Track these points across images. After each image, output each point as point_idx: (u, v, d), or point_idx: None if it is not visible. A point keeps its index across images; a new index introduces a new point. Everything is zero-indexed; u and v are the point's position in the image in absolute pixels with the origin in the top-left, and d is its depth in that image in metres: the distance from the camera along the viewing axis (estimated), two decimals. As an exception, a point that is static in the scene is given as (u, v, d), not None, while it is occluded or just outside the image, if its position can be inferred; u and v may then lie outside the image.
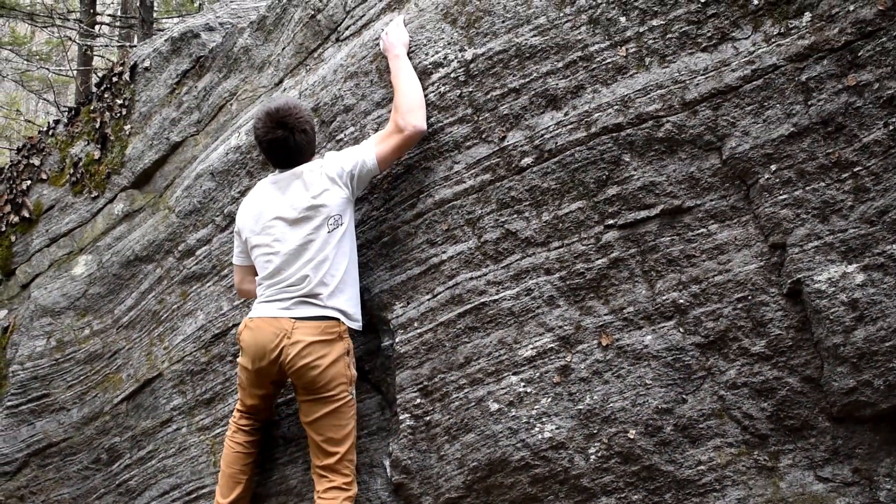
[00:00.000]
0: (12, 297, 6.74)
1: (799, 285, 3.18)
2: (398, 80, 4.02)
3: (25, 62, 16.91)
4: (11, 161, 7.20)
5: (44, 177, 6.76)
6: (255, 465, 4.53)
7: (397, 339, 4.10)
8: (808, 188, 3.17)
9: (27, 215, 6.75)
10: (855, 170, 3.09)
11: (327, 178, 3.99)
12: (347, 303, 4.04)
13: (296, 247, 4.01)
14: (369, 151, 3.97)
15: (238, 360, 4.25)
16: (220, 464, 4.50)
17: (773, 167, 3.23)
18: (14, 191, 6.93)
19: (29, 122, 19.63)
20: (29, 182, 6.83)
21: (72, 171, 6.50)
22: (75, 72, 14.73)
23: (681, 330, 3.44)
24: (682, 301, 3.44)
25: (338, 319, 3.99)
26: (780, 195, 3.22)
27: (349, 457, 4.06)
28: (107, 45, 15.97)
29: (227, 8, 5.97)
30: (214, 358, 5.03)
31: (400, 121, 3.91)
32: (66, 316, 6.13)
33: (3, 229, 6.92)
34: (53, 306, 6.19)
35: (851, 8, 3.07)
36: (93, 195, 6.28)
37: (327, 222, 3.98)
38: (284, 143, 4.08)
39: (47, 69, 16.61)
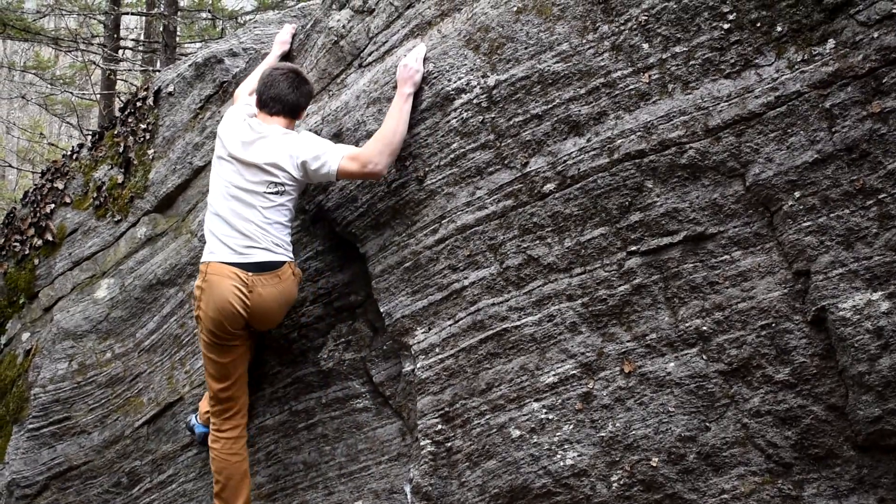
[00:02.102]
0: (35, 320, 6.77)
1: (823, 313, 3.16)
2: (392, 116, 4.14)
3: (49, 86, 17.04)
4: (35, 185, 7.26)
5: (67, 200, 6.80)
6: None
7: (419, 365, 4.09)
8: (832, 215, 3.15)
9: (51, 238, 6.79)
10: (880, 197, 3.06)
11: (288, 156, 4.26)
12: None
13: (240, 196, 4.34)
14: (335, 161, 4.17)
15: None
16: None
17: (797, 194, 3.21)
18: (38, 214, 6.98)
19: (52, 145, 19.78)
20: (53, 205, 6.88)
21: (95, 194, 6.54)
22: (98, 96, 14.83)
23: (704, 357, 3.42)
24: (705, 328, 3.42)
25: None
26: (804, 222, 3.20)
27: None
28: (130, 70, 16.09)
29: (250, 33, 6.01)
30: (235, 382, 5.03)
31: (373, 157, 4.09)
32: (88, 339, 6.15)
33: (27, 252, 6.96)
34: (76, 329, 6.22)
35: (875, 35, 3.06)
36: (116, 219, 6.31)
37: (269, 185, 4.29)
38: (284, 88, 4.44)
39: (71, 93, 16.74)
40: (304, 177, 4.30)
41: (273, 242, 4.31)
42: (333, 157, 4.18)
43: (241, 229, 4.29)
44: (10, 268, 7.10)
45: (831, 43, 3.15)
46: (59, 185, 6.92)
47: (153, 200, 6.05)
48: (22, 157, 22.53)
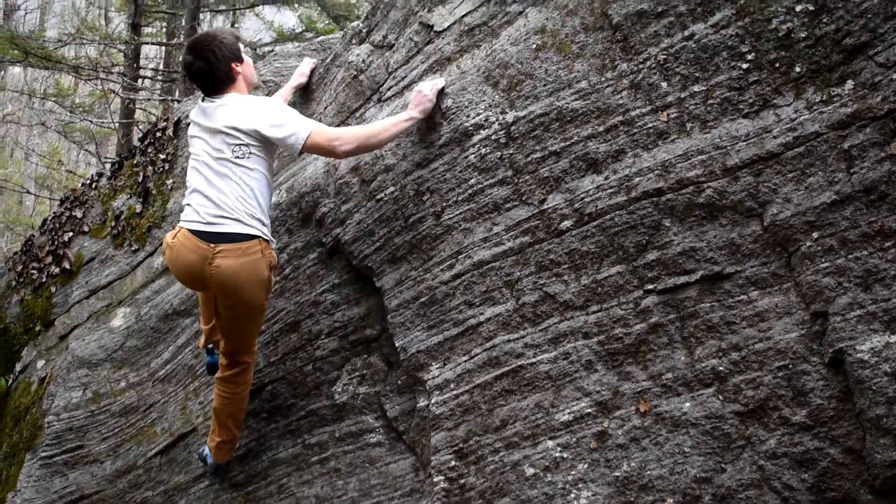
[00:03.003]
0: (50, 348, 6.80)
1: (841, 354, 3.13)
2: (384, 123, 4.17)
3: (69, 114, 17.18)
4: (54, 213, 7.31)
5: (85, 229, 6.84)
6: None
7: (433, 401, 4.08)
8: (850, 256, 3.14)
9: (68, 267, 6.83)
10: (898, 238, 3.06)
11: (246, 118, 4.28)
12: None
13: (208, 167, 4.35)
14: (299, 141, 4.17)
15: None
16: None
17: (815, 235, 3.20)
18: (56, 242, 7.02)
19: (70, 172, 19.88)
20: (71, 234, 6.93)
21: (113, 223, 6.58)
22: (117, 124, 14.93)
23: (720, 397, 3.40)
24: (721, 368, 3.40)
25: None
26: (822, 263, 3.19)
27: None
28: (149, 99, 16.20)
29: (270, 66, 6.05)
30: (249, 414, 5.04)
31: (342, 137, 4.13)
32: (103, 368, 6.17)
33: (44, 280, 7.00)
34: (91, 358, 6.24)
35: (894, 76, 3.06)
36: (133, 248, 6.35)
37: (235, 148, 4.29)
38: (188, 68, 4.44)
39: (90, 121, 16.85)
40: (256, 141, 4.30)
41: (247, 213, 4.27)
42: (302, 127, 4.18)
43: (215, 199, 4.29)
44: (27, 295, 7.14)
45: (850, 84, 3.15)
46: (78, 213, 6.97)
47: (171, 230, 6.07)
48: (40, 183, 22.69)
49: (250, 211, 4.28)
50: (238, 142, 4.28)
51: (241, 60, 4.51)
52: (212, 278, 4.28)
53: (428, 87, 4.17)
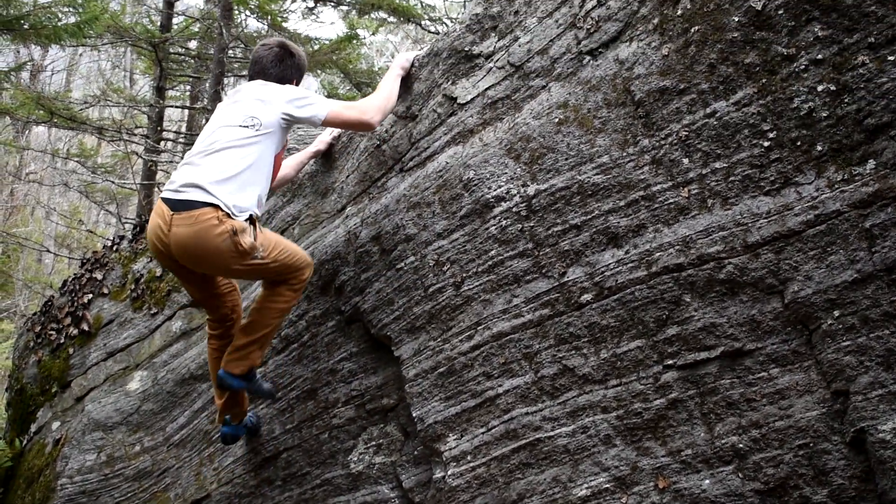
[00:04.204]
0: (66, 410, 6.79)
1: (862, 434, 3.11)
2: (387, 82, 4.68)
3: (91, 174, 17.35)
4: (75, 274, 7.35)
5: (105, 291, 6.88)
6: None
7: (449, 472, 4.06)
8: (872, 335, 3.12)
9: (86, 328, 6.85)
10: (920, 318, 3.05)
11: (272, 94, 4.48)
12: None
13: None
14: (322, 111, 4.45)
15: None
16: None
17: (836, 313, 3.19)
18: (75, 303, 7.05)
19: (90, 232, 20.02)
20: (90, 296, 6.96)
21: (133, 286, 6.62)
22: (139, 185, 15.07)
23: (740, 475, 3.37)
24: (741, 445, 3.37)
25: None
26: (844, 341, 3.17)
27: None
28: (171, 161, 16.36)
29: (293, 133, 6.12)
30: (263, 482, 5.01)
31: (370, 110, 4.47)
32: (118, 431, 6.16)
33: (62, 341, 7.02)
34: (106, 421, 6.23)
35: (916, 157, 3.08)
36: (152, 311, 6.37)
37: (246, 118, 4.40)
38: (264, 52, 4.74)
39: (112, 181, 17.01)
40: (285, 117, 4.43)
41: (214, 182, 4.25)
42: (323, 103, 4.46)
43: (191, 169, 4.34)
44: (45, 356, 7.15)
45: (871, 163, 3.16)
46: (98, 275, 7.01)
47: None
48: (60, 242, 22.83)
49: (220, 184, 4.26)
50: (253, 113, 4.42)
51: (299, 82, 4.85)
52: (170, 246, 4.30)
53: (404, 56, 4.86)
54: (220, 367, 4.74)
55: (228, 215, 4.23)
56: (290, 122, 4.48)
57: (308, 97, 4.47)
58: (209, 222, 4.18)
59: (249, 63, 4.79)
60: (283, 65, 4.73)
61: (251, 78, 4.74)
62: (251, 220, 4.36)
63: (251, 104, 4.44)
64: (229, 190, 4.26)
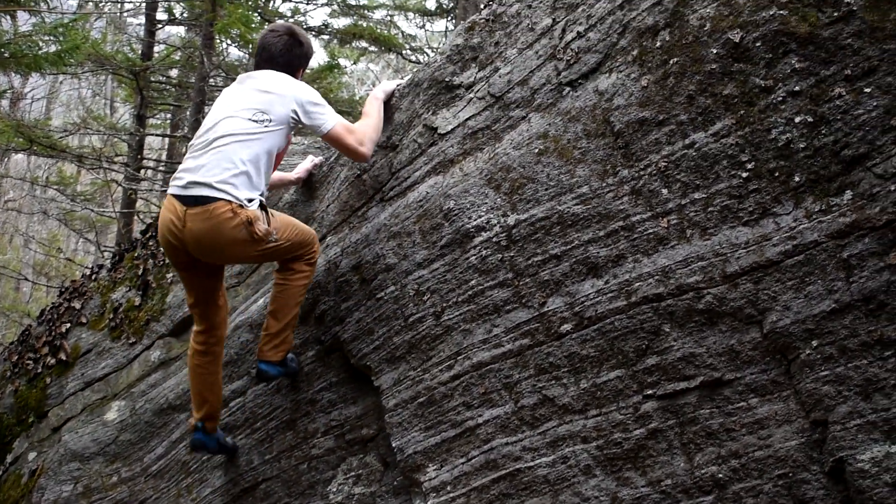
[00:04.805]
0: (42, 440, 6.73)
1: (841, 464, 3.11)
2: (373, 109, 4.72)
3: (70, 202, 17.30)
4: (53, 304, 7.31)
5: (83, 320, 6.84)
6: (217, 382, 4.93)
7: (429, 503, 4.04)
8: (850, 365, 3.13)
9: (64, 358, 6.80)
10: (898, 348, 3.06)
11: (286, 88, 4.52)
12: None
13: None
14: (333, 120, 4.48)
15: None
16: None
17: (815, 343, 3.20)
18: (53, 333, 7.01)
19: (69, 260, 19.95)
20: (68, 325, 6.92)
21: (111, 315, 6.58)
22: (118, 213, 15.02)
23: (720, 505, 3.37)
24: (721, 475, 3.37)
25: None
26: (822, 371, 3.18)
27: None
28: (150, 190, 16.32)
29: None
30: (242, 512, 4.97)
31: (364, 143, 4.50)
32: (96, 462, 6.10)
33: (40, 371, 6.97)
34: (83, 451, 6.18)
35: (892, 188, 3.09)
36: (130, 341, 6.33)
37: (255, 112, 4.41)
38: (270, 38, 4.76)
39: (91, 209, 16.96)
40: (293, 116, 4.46)
41: (221, 180, 4.27)
42: (332, 117, 4.49)
43: (202, 161, 4.34)
44: (22, 386, 7.09)
45: (849, 194, 3.19)
46: (77, 304, 6.98)
47: (169, 324, 6.07)
48: (38, 270, 22.72)
49: (227, 179, 4.29)
50: (262, 108, 4.44)
51: (305, 70, 4.92)
52: (185, 241, 4.36)
53: (384, 86, 4.92)
54: (258, 359, 4.78)
55: (241, 206, 4.29)
56: (296, 123, 4.51)
57: (322, 105, 4.52)
58: (224, 216, 4.25)
59: (257, 48, 4.80)
60: (291, 53, 4.75)
61: (258, 65, 4.76)
62: (262, 206, 4.41)
63: (261, 96, 4.47)
64: (237, 184, 4.30)
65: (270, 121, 4.41)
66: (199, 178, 4.27)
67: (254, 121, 4.39)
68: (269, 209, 4.45)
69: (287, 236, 4.53)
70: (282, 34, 4.76)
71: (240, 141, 4.34)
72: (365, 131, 4.53)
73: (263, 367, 4.71)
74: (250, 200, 4.32)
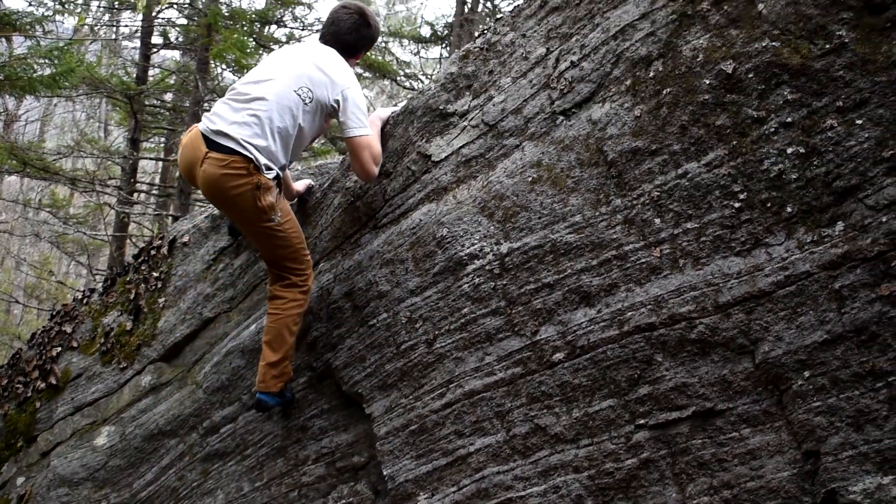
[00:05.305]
0: (31, 465, 6.68)
1: (833, 495, 3.11)
2: (374, 133, 4.67)
3: (63, 224, 17.27)
4: (44, 327, 7.27)
5: (74, 344, 6.81)
6: None
7: (420, 531, 4.02)
8: (842, 396, 3.14)
9: (54, 382, 6.77)
10: (889, 379, 3.05)
11: (337, 73, 4.54)
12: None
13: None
14: (357, 133, 4.49)
15: None
16: None
17: (807, 374, 3.21)
18: (44, 357, 6.97)
19: (60, 283, 19.90)
20: (59, 349, 6.88)
21: (103, 340, 6.55)
22: (110, 237, 15.01)
23: (712, 536, 3.36)
24: (713, 506, 3.37)
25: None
26: (814, 402, 3.18)
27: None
28: (143, 213, 16.32)
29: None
30: (232, 540, 4.94)
31: (378, 163, 4.58)
32: (84, 487, 6.06)
33: (29, 395, 6.93)
34: (72, 476, 6.13)
35: (884, 219, 3.10)
36: (122, 366, 6.30)
37: (301, 89, 4.45)
38: (343, 13, 4.79)
39: (83, 232, 16.94)
40: (334, 105, 4.51)
41: (248, 140, 4.35)
42: (366, 127, 4.53)
43: (236, 117, 4.40)
44: (11, 410, 7.05)
45: (840, 225, 3.20)
46: (68, 328, 6.94)
47: (160, 349, 6.05)
48: (29, 293, 22.64)
49: (253, 140, 4.36)
50: (309, 85, 4.48)
51: (359, 56, 4.95)
52: (197, 180, 4.50)
53: (379, 113, 4.89)
54: (258, 390, 4.71)
55: (258, 169, 4.37)
56: (334, 112, 4.56)
57: (363, 111, 4.56)
58: (237, 171, 4.34)
59: (326, 20, 4.84)
60: (358, 33, 4.81)
61: (323, 36, 4.82)
62: (278, 182, 4.50)
63: (314, 73, 4.52)
64: (261, 148, 4.38)
65: (312, 100, 4.47)
66: (228, 131, 4.35)
67: (298, 94, 4.45)
68: (282, 190, 4.56)
69: (286, 227, 4.56)
70: (353, 12, 4.80)
71: (277, 110, 4.40)
72: (374, 156, 4.55)
73: (263, 398, 4.67)
74: (269, 169, 4.42)
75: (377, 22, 4.98)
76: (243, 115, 4.38)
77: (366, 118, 4.55)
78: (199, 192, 4.76)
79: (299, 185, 5.41)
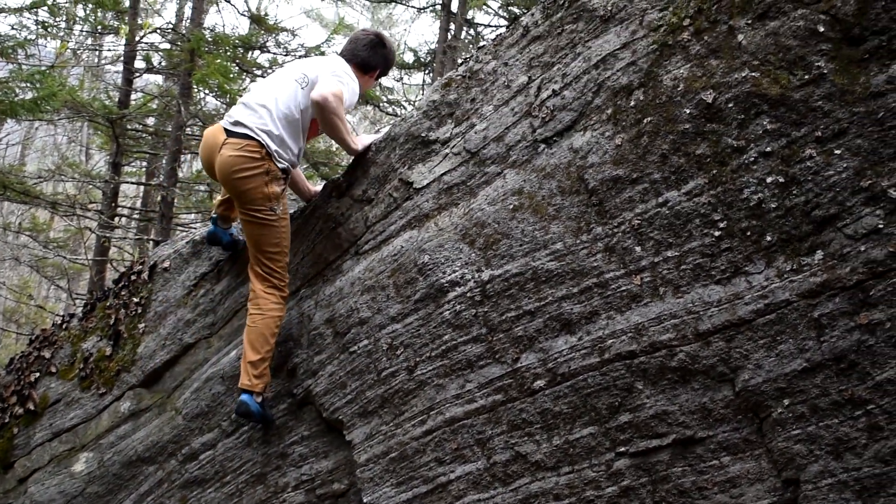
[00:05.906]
0: (8, 491, 6.61)
1: (813, 524, 3.12)
2: (349, 132, 4.89)
3: (43, 248, 17.16)
4: (22, 352, 7.21)
5: (53, 370, 6.75)
6: None
7: (401, 560, 4.00)
8: (821, 424, 3.15)
9: (32, 408, 6.71)
10: (868, 408, 3.07)
11: (325, 65, 4.93)
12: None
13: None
14: (318, 92, 4.63)
15: None
16: None
17: (787, 401, 3.22)
18: (22, 382, 6.91)
19: (40, 307, 19.76)
20: (38, 374, 6.83)
21: (82, 365, 6.50)
22: (91, 261, 14.92)
23: (693, 565, 3.35)
24: (694, 535, 3.37)
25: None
26: (794, 430, 3.20)
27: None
28: (124, 238, 16.25)
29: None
30: (210, 568, 4.90)
31: (330, 100, 4.62)
32: (62, 514, 6.00)
33: (7, 421, 6.86)
34: (49, 503, 6.07)
35: (862, 248, 3.13)
36: (100, 391, 6.25)
37: (302, 77, 4.88)
38: (364, 35, 5.20)
39: (63, 256, 16.84)
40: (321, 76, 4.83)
41: (261, 129, 4.73)
42: (331, 86, 4.67)
43: (247, 111, 4.80)
44: (-11, 435, 6.99)
45: (820, 254, 3.22)
46: (46, 353, 6.89)
47: (140, 375, 6.00)
48: (7, 317, 22.48)
49: (267, 128, 4.74)
50: (310, 71, 4.90)
51: (383, 73, 5.33)
52: (213, 164, 4.83)
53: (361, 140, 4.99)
54: (240, 388, 4.79)
55: (270, 157, 4.74)
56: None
57: (339, 76, 4.82)
58: (251, 154, 4.70)
59: (346, 42, 5.26)
60: (373, 50, 5.15)
61: (341, 53, 5.19)
62: (286, 175, 4.86)
63: (311, 64, 5.00)
64: (273, 136, 4.76)
65: (308, 83, 4.83)
66: (245, 121, 4.74)
67: (296, 81, 4.86)
68: (287, 186, 4.93)
69: (282, 224, 4.82)
70: (370, 34, 5.23)
71: (282, 100, 4.80)
72: (341, 94, 4.70)
73: (245, 399, 4.70)
74: (280, 158, 4.79)
75: (394, 46, 5.27)
76: (254, 105, 4.78)
77: (337, 80, 4.77)
78: (218, 183, 4.98)
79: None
